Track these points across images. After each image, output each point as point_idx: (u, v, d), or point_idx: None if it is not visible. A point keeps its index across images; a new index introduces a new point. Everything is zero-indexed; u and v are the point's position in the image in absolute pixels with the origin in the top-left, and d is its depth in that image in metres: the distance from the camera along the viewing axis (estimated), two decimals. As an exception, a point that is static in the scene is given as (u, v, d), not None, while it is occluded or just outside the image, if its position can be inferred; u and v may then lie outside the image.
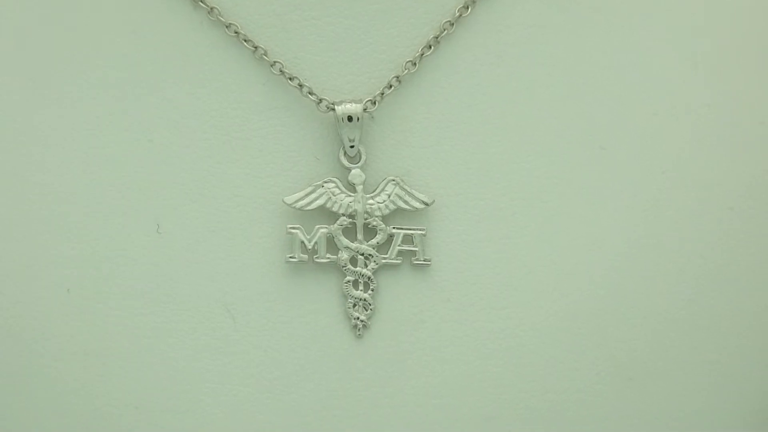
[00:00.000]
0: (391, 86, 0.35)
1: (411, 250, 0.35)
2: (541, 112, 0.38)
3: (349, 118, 0.34)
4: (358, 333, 0.34)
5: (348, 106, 0.35)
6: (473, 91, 0.37)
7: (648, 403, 0.37)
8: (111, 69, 0.38)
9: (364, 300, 0.34)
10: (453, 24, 0.36)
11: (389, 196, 0.35)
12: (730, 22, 0.42)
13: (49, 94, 0.39)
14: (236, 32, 0.35)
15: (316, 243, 0.34)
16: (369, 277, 0.35)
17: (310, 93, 0.35)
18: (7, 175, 0.38)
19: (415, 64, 0.35)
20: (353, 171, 0.35)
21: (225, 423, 0.36)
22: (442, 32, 0.35)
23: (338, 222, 0.35)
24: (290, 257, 0.34)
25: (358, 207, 0.35)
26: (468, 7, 0.36)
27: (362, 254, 0.35)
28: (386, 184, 0.35)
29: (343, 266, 0.34)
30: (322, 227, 0.34)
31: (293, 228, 0.34)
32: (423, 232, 0.35)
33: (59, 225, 0.37)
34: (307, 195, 0.34)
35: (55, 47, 0.39)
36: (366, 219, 0.35)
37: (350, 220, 0.35)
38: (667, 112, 0.39)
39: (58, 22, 0.39)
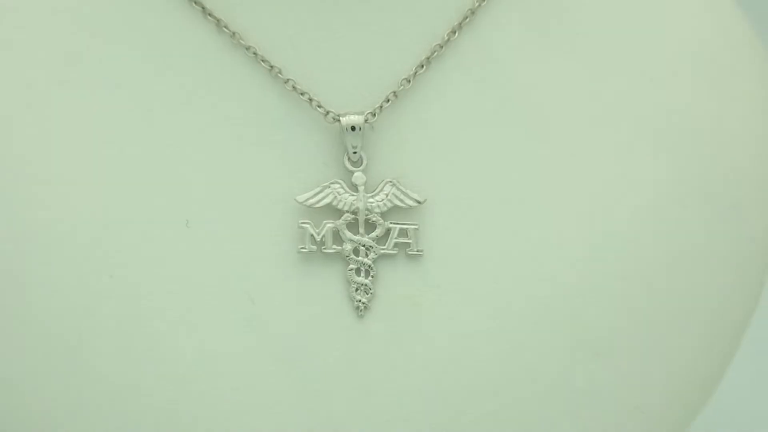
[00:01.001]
0: (388, 100, 0.37)
1: (406, 242, 0.37)
2: (520, 124, 0.40)
3: (353, 128, 0.37)
4: (359, 314, 0.36)
5: (351, 117, 0.37)
6: (461, 105, 0.39)
7: (614, 379, 0.39)
8: (144, 87, 0.39)
9: (365, 285, 0.37)
10: (442, 46, 0.38)
11: (387, 196, 0.37)
12: (704, 41, 0.44)
13: (85, 101, 0.39)
14: (255, 53, 0.37)
15: (323, 236, 0.37)
16: (369, 266, 0.37)
17: (318, 106, 0.37)
18: (47, 176, 0.39)
19: (409, 81, 0.37)
20: (356, 174, 0.37)
21: (245, 389, 0.37)
22: (433, 53, 0.38)
23: (343, 218, 0.37)
24: (302, 248, 0.36)
25: (360, 205, 0.37)
26: (455, 32, 0.38)
27: (363, 246, 0.37)
28: (384, 185, 0.37)
29: (347, 256, 0.37)
30: (329, 222, 0.37)
31: (304, 223, 0.37)
32: (416, 227, 0.37)
33: (104, 220, 0.38)
34: (315, 194, 0.37)
35: (86, 53, 0.40)
36: (367, 215, 0.37)
37: (353, 216, 0.37)
38: (638, 128, 0.41)
39: (87, 26, 0.40)
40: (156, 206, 0.38)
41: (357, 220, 0.37)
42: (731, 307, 0.41)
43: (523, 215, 0.39)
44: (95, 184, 0.38)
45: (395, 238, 0.37)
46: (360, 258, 0.37)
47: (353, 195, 0.37)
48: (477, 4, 0.39)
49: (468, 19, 0.39)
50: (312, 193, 0.37)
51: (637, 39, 0.42)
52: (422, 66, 0.37)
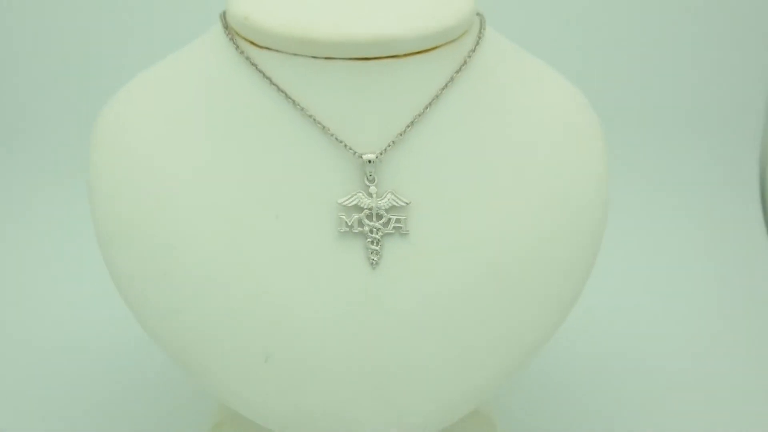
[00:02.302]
0: (389, 145, 0.45)
1: (399, 226, 0.44)
2: (474, 161, 0.47)
3: (369, 161, 0.44)
4: (373, 267, 0.45)
5: (368, 155, 0.44)
6: (434, 148, 0.46)
7: (519, 299, 0.46)
8: (238, 147, 0.45)
9: (376, 250, 0.45)
10: (420, 115, 0.45)
11: (388, 200, 0.45)
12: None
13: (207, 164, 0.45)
14: (314, 119, 0.44)
15: (353, 222, 0.44)
16: (378, 239, 0.45)
17: (350, 149, 0.44)
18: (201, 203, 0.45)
19: (401, 134, 0.45)
20: (371, 187, 0.45)
21: (299, 305, 0.44)
22: (414, 120, 0.45)
23: (363, 212, 0.44)
24: (340, 229, 0.44)
25: (373, 205, 0.45)
26: (427, 108, 0.45)
27: (375, 228, 0.44)
28: (387, 194, 0.45)
29: (365, 234, 0.45)
30: (356, 214, 0.44)
31: (342, 215, 0.44)
32: (405, 217, 0.45)
33: (228, 219, 0.45)
34: (348, 198, 0.45)
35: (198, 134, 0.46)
36: (377, 211, 0.45)
37: (369, 211, 0.44)
38: (536, 172, 0.47)
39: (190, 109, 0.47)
40: (258, 209, 0.45)
41: (372, 213, 0.44)
42: (580, 259, 0.48)
43: (472, 212, 0.46)
44: (223, 205, 0.45)
45: (393, 224, 0.44)
46: (373, 235, 0.44)
47: (369, 199, 0.44)
48: (440, 92, 0.45)
49: (434, 100, 0.45)
50: (346, 197, 0.45)
51: (531, 119, 0.49)
52: (409, 126, 0.45)
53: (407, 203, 0.45)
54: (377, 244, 0.45)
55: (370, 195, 0.45)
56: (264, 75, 0.45)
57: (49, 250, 0.78)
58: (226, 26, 0.47)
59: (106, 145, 0.48)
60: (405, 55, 0.45)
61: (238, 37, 0.47)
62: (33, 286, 0.73)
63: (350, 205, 0.45)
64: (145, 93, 0.49)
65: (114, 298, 0.48)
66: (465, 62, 0.47)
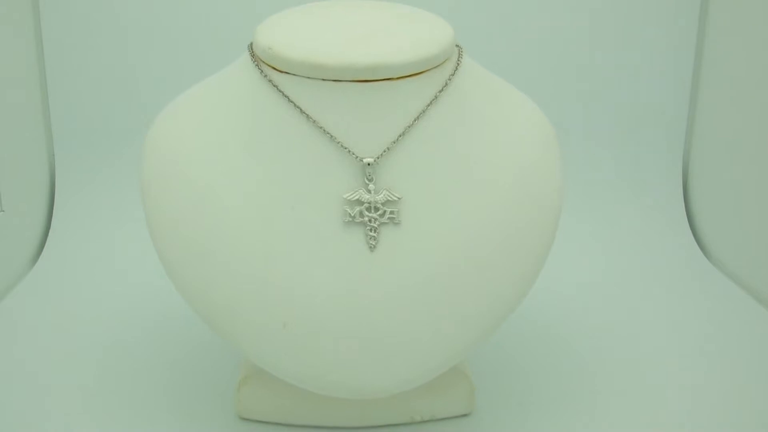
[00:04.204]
0: (385, 151, 0.50)
1: (392, 216, 0.49)
2: (449, 164, 0.51)
3: (368, 164, 0.49)
4: (371, 249, 0.50)
5: (368, 159, 0.49)
6: (417, 154, 0.51)
7: (496, 273, 0.50)
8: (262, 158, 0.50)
9: (374, 236, 0.50)
10: (410, 126, 0.50)
11: (383, 195, 0.50)
12: None
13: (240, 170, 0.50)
14: (324, 130, 0.49)
15: (355, 213, 0.49)
16: (376, 227, 0.50)
17: (353, 154, 0.49)
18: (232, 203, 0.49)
19: (395, 142, 0.50)
20: (370, 185, 0.49)
21: (315, 276, 0.49)
22: (403, 133, 0.50)
23: (364, 205, 0.49)
24: (345, 219, 0.49)
25: (372, 199, 0.50)
26: (415, 121, 0.50)
27: (373, 218, 0.49)
28: (383, 190, 0.50)
29: (365, 222, 0.50)
30: (358, 206, 0.49)
31: (346, 206, 0.50)
32: (397, 209, 0.50)
33: (257, 210, 0.50)
34: (352, 194, 0.50)
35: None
36: (375, 204, 0.50)
37: (368, 204, 0.49)
38: (503, 178, 0.52)
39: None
40: (277, 202, 0.50)
41: (371, 206, 0.49)
42: (539, 243, 0.53)
43: (452, 205, 0.50)
44: (249, 200, 0.50)
45: (388, 215, 0.50)
46: (372, 224, 0.50)
47: (369, 194, 0.50)
48: (426, 108, 0.50)
49: (421, 114, 0.50)
50: (350, 193, 0.50)
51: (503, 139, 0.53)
52: (401, 135, 0.50)
53: (399, 198, 0.50)
54: (375, 231, 0.50)
55: (369, 191, 0.50)
56: (283, 94, 0.50)
57: (110, 237, 0.89)
58: (253, 55, 0.53)
59: (155, 151, 0.53)
60: (398, 78, 0.50)
61: (263, 63, 0.52)
62: (97, 266, 0.85)
63: (353, 199, 0.50)
64: (187, 109, 0.54)
65: (163, 274, 0.53)
66: (446, 84, 0.52)
